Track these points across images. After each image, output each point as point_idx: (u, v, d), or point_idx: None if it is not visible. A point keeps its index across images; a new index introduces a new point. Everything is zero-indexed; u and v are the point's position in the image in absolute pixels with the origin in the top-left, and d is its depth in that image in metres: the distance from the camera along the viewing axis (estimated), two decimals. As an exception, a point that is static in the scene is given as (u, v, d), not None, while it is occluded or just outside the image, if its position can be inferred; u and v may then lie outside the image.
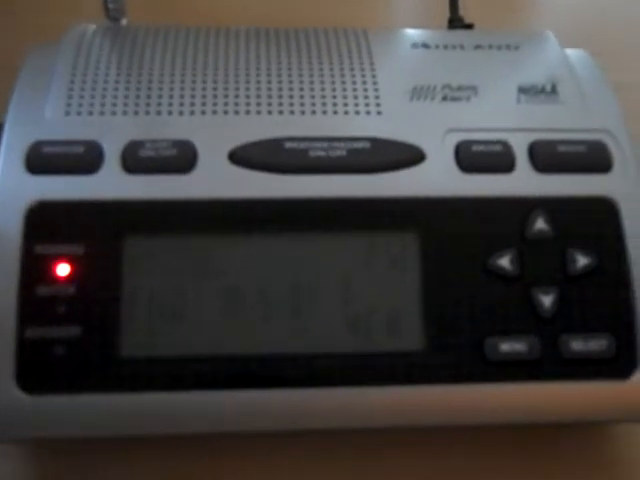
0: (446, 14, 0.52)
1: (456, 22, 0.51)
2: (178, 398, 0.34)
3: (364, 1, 0.66)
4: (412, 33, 0.45)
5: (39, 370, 0.34)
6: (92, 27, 0.43)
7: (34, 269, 0.34)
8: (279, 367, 0.35)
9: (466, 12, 0.53)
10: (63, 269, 0.35)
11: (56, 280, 0.34)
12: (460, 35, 0.45)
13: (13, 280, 0.34)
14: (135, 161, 0.36)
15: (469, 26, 0.50)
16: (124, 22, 0.46)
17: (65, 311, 0.34)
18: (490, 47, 0.44)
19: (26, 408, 0.34)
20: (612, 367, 0.36)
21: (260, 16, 0.59)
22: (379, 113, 0.39)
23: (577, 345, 0.36)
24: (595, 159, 0.38)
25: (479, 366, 0.35)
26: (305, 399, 0.35)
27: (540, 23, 0.67)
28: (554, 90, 0.41)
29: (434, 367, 0.35)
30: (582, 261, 0.36)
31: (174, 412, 0.35)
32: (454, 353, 0.35)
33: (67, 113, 0.38)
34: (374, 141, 0.38)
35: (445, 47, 0.44)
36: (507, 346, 0.35)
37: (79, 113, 0.38)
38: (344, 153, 0.37)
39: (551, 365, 0.36)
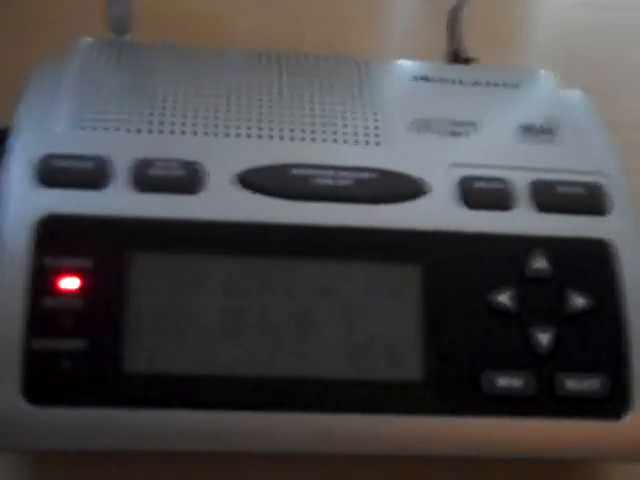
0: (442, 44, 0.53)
1: (455, 55, 0.52)
2: (175, 416, 0.35)
3: (363, 29, 0.67)
4: (413, 65, 0.46)
5: (44, 382, 0.34)
6: (97, 41, 0.43)
7: (42, 281, 0.35)
8: (277, 390, 0.35)
9: (465, 46, 0.54)
10: (71, 282, 0.35)
11: (63, 293, 0.35)
12: (460, 70, 0.47)
13: (21, 291, 0.34)
14: (145, 179, 0.37)
15: (468, 60, 0.52)
16: (127, 37, 0.46)
17: (71, 324, 0.35)
18: (489, 84, 0.45)
19: (30, 419, 0.34)
20: (605, 407, 0.36)
21: (262, 37, 0.60)
22: (384, 144, 0.40)
23: (572, 384, 0.36)
24: (593, 201, 0.39)
25: (475, 399, 0.36)
26: (302, 423, 0.35)
27: (535, 59, 0.68)
28: (553, 131, 0.42)
29: (431, 398, 0.36)
30: (579, 301, 0.37)
31: (171, 429, 0.35)
32: (451, 385, 0.36)
33: (77, 127, 0.38)
34: (380, 172, 0.38)
35: (445, 81, 0.44)
36: (504, 381, 0.36)
37: (90, 128, 0.38)
38: (350, 182, 0.38)
39: (545, 402, 0.36)
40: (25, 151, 0.37)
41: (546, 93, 0.44)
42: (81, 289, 0.35)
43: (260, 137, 0.39)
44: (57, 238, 0.35)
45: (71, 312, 0.35)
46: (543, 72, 0.46)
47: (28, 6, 0.60)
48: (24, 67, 0.42)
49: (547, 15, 0.76)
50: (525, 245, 0.38)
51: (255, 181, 0.37)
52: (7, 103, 0.40)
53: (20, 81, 0.41)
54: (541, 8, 0.76)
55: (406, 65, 0.46)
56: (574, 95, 0.45)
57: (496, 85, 0.45)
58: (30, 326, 0.34)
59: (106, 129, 0.38)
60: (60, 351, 0.34)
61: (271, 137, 0.39)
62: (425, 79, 0.44)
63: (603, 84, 0.62)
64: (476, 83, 0.45)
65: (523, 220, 0.38)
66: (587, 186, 0.40)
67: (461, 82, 0.44)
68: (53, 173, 0.36)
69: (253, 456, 0.38)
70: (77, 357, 0.34)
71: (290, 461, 0.39)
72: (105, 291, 0.35)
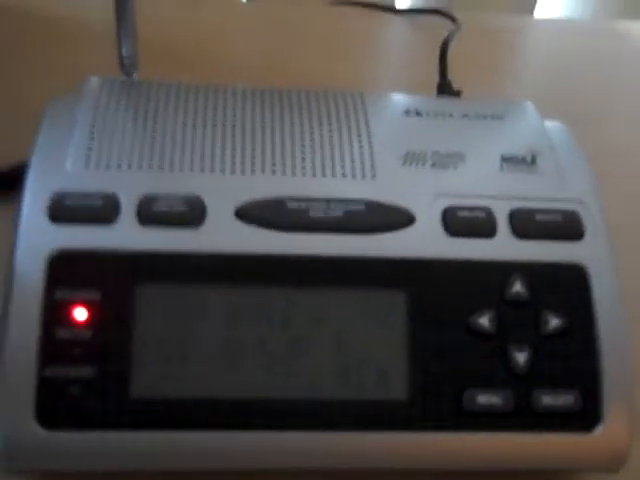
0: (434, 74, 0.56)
1: (445, 88, 0.55)
2: (179, 437, 0.37)
3: (357, 61, 0.69)
4: (406, 99, 0.48)
5: (56, 407, 0.37)
6: (107, 80, 0.46)
7: (54, 313, 0.37)
8: (275, 410, 0.38)
9: (453, 75, 0.57)
10: (81, 314, 0.37)
11: (74, 324, 0.37)
12: (449, 103, 0.49)
13: (35, 322, 0.37)
14: (149, 214, 0.39)
15: (457, 93, 0.54)
16: (135, 76, 0.49)
17: (81, 353, 0.37)
18: (477, 117, 0.47)
19: (43, 442, 0.36)
20: (578, 421, 0.39)
21: (260, 70, 0.62)
22: (374, 177, 0.42)
23: (547, 399, 0.39)
24: (569, 228, 0.42)
25: (458, 416, 0.39)
26: (298, 441, 0.38)
27: (519, 88, 0.71)
28: (534, 161, 0.44)
29: (417, 415, 0.38)
30: (554, 322, 0.40)
31: (175, 450, 0.37)
32: (435, 403, 0.38)
33: (86, 166, 0.41)
34: (368, 204, 0.41)
35: (435, 115, 0.47)
36: (484, 398, 0.39)
37: (98, 166, 0.41)
38: (341, 214, 0.41)
39: (523, 417, 0.39)
40: (38, 188, 0.40)
41: (529, 125, 0.47)
42: (90, 320, 0.38)
43: (256, 172, 0.42)
44: (68, 272, 0.38)
45: (81, 342, 0.37)
46: (526, 104, 0.49)
47: (49, 45, 0.64)
48: (43, 100, 0.45)
49: (535, 42, 0.79)
50: (504, 270, 0.40)
51: (252, 214, 0.40)
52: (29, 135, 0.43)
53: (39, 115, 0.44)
54: (529, 35, 0.79)
55: (399, 99, 0.49)
56: (555, 126, 0.48)
57: (484, 117, 0.47)
58: (42, 355, 0.37)
59: (113, 167, 0.41)
60: (71, 378, 0.37)
61: (267, 171, 0.42)
62: (417, 113, 0.47)
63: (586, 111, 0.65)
64: (465, 116, 0.47)
65: (503, 247, 0.41)
66: (563, 213, 0.42)
67: (450, 115, 0.47)
68: (64, 210, 0.39)
69: (252, 473, 0.40)
70: (87, 384, 0.37)
71: (286, 477, 0.41)
72: (113, 321, 0.38)
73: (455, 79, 0.60)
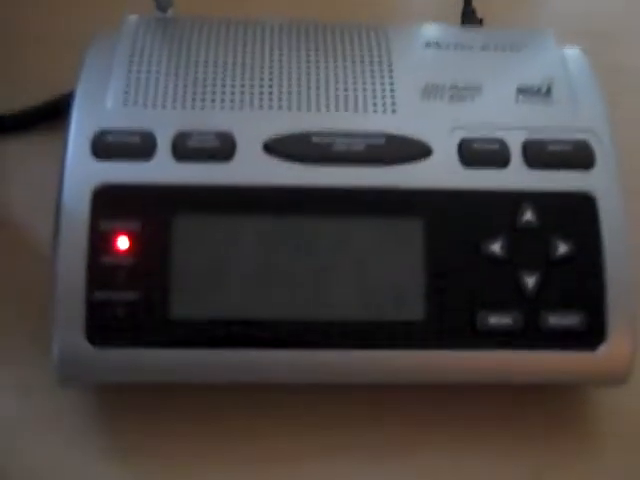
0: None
1: (468, 15, 0.57)
2: (217, 354, 0.41)
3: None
4: (427, 31, 0.50)
5: (104, 327, 0.40)
6: (144, 18, 0.49)
7: (99, 242, 0.40)
8: (302, 331, 0.41)
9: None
10: (123, 242, 0.41)
11: (117, 252, 0.41)
12: (470, 34, 0.51)
13: (82, 252, 0.40)
14: (183, 150, 0.42)
15: (479, 21, 0.56)
16: (170, 12, 0.52)
17: (125, 278, 0.40)
18: (495, 48, 0.49)
19: (93, 359, 0.40)
20: (583, 339, 0.42)
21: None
22: (394, 111, 0.45)
23: (554, 320, 0.41)
24: (579, 157, 0.44)
25: (471, 335, 0.41)
26: (323, 359, 0.41)
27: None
28: (549, 91, 0.46)
29: (432, 335, 0.41)
30: (562, 248, 0.42)
31: (213, 366, 0.41)
32: (450, 323, 0.41)
33: (125, 104, 0.44)
34: (388, 137, 0.44)
35: (455, 47, 0.49)
36: (495, 319, 0.41)
37: (135, 104, 0.44)
38: (362, 147, 0.43)
39: (532, 336, 0.41)
40: (81, 126, 0.43)
41: (546, 54, 0.49)
42: (132, 248, 0.41)
43: (283, 107, 0.44)
44: (110, 204, 0.41)
45: (124, 268, 0.41)
46: (546, 32, 0.50)
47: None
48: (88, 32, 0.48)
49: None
50: (516, 199, 0.43)
51: (279, 148, 0.43)
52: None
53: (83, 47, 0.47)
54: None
55: (420, 30, 0.51)
56: (573, 53, 0.49)
57: (502, 49, 0.49)
58: (90, 281, 0.40)
59: (150, 104, 0.44)
60: (116, 301, 0.40)
61: (293, 107, 0.44)
62: (437, 45, 0.49)
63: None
64: (484, 47, 0.49)
65: (515, 177, 0.43)
66: (575, 143, 0.44)
67: (470, 47, 0.49)
68: (105, 147, 0.42)
69: (279, 387, 0.44)
70: (130, 306, 0.40)
71: (307, 391, 0.44)
72: (152, 249, 0.41)
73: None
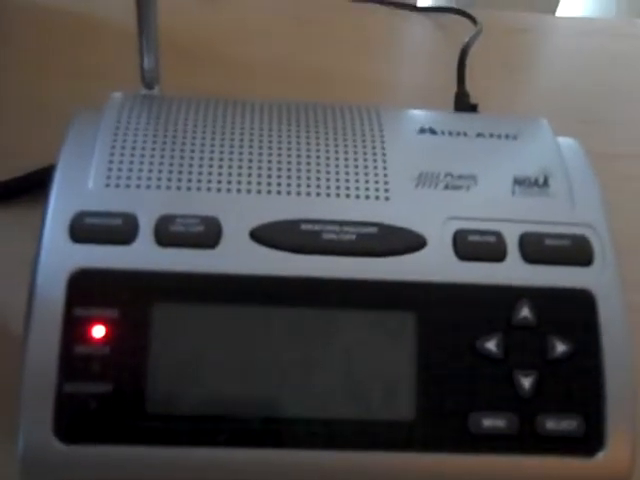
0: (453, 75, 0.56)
1: (462, 99, 0.56)
2: (195, 453, 0.39)
3: (376, 59, 0.70)
4: (421, 116, 0.49)
5: (74, 422, 0.38)
6: (129, 96, 0.47)
7: (73, 330, 0.39)
8: (285, 429, 0.39)
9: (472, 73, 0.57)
10: (99, 331, 0.39)
11: (92, 341, 0.39)
12: (464, 120, 0.50)
13: (55, 339, 0.38)
14: (166, 235, 0.40)
15: (474, 107, 0.55)
16: (157, 89, 0.50)
17: (99, 369, 0.38)
18: (491, 136, 0.48)
19: (62, 456, 0.38)
20: (581, 446, 0.40)
21: (278, 69, 0.63)
22: (387, 199, 0.43)
23: (551, 424, 0.40)
24: (578, 253, 0.42)
25: (463, 438, 0.39)
26: (306, 459, 0.39)
27: (538, 90, 0.71)
28: (546, 183, 0.45)
29: (423, 436, 0.39)
30: (560, 348, 0.40)
31: (191, 465, 0.39)
32: (442, 425, 0.39)
33: (107, 185, 0.42)
34: (381, 227, 0.42)
35: (450, 134, 0.48)
36: (489, 421, 0.40)
37: (117, 185, 0.42)
38: (353, 237, 0.41)
39: (527, 441, 0.40)
40: (59, 207, 0.41)
41: (542, 144, 0.47)
42: (108, 337, 0.39)
43: (272, 192, 0.43)
44: (87, 290, 0.39)
45: (99, 358, 0.39)
46: (541, 121, 0.49)
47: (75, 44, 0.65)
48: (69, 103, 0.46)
49: (555, 41, 0.79)
50: (512, 295, 0.41)
51: (267, 236, 0.41)
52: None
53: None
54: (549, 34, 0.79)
55: (414, 115, 0.49)
56: (568, 144, 0.48)
57: (498, 137, 0.48)
58: (62, 371, 0.38)
59: (133, 186, 0.42)
60: (89, 394, 0.38)
61: (282, 192, 0.43)
62: (432, 131, 0.48)
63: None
64: (479, 135, 0.48)
65: (512, 271, 0.42)
66: (573, 238, 0.43)
67: (465, 134, 0.48)
68: (85, 230, 0.40)
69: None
70: (104, 399, 0.38)
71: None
72: (130, 339, 0.39)
73: (473, 78, 0.60)
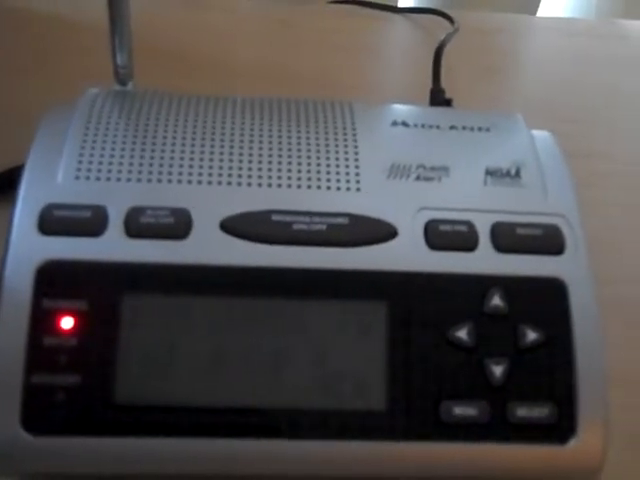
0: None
1: (437, 95, 0.56)
2: (163, 443, 0.38)
3: (355, 60, 0.70)
4: (394, 110, 0.49)
5: (42, 413, 0.38)
6: (102, 92, 0.47)
7: (41, 322, 0.38)
8: (256, 419, 0.39)
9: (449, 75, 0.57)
10: (67, 322, 0.38)
11: (61, 332, 0.38)
12: (438, 114, 0.49)
13: (22, 331, 0.38)
14: (136, 226, 0.40)
15: (448, 102, 0.55)
16: (130, 85, 0.50)
17: (67, 360, 0.38)
18: (464, 128, 0.48)
19: (29, 447, 0.38)
20: (552, 433, 0.40)
21: (258, 72, 0.63)
22: (358, 190, 0.43)
23: (522, 411, 0.40)
24: (549, 242, 0.42)
25: (434, 426, 0.39)
26: (276, 449, 0.39)
27: (515, 90, 0.71)
28: (518, 174, 0.45)
29: (394, 426, 0.39)
30: (531, 336, 0.40)
31: (160, 456, 0.39)
32: (412, 414, 0.39)
33: (77, 177, 0.42)
34: (351, 217, 0.42)
35: (423, 126, 0.48)
36: (460, 410, 0.39)
37: (87, 178, 0.42)
38: (324, 228, 0.41)
39: (498, 428, 0.40)
40: (28, 200, 0.41)
41: (516, 137, 0.47)
42: (77, 329, 0.39)
43: (242, 184, 0.43)
44: (55, 282, 0.39)
45: (67, 350, 0.38)
46: (515, 115, 0.49)
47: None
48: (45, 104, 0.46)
49: (534, 42, 0.79)
50: (484, 284, 0.41)
51: (237, 227, 0.41)
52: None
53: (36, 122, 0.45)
54: (528, 35, 0.79)
55: (387, 109, 0.49)
56: (542, 136, 0.48)
57: (471, 129, 0.48)
58: (29, 362, 0.38)
59: (103, 178, 0.42)
60: (57, 385, 0.38)
61: (253, 183, 0.43)
62: (404, 124, 0.48)
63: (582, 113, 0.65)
64: (452, 127, 0.48)
65: (483, 261, 0.42)
66: (545, 227, 0.43)
67: (438, 127, 0.48)
68: (53, 222, 0.40)
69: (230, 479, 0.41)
70: (72, 390, 0.38)
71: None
72: (99, 331, 0.39)
73: (451, 79, 0.60)
